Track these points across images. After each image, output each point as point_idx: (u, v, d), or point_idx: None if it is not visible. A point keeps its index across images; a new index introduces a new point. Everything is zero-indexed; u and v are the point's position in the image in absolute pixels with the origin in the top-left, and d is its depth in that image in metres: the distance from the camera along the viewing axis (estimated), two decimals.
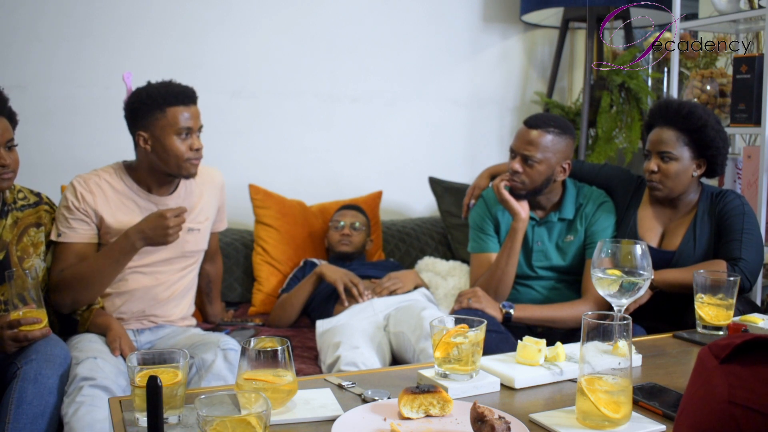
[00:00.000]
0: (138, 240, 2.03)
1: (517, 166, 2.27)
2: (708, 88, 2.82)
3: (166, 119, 2.09)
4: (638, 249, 1.59)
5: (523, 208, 2.30)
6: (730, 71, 2.81)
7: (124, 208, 2.16)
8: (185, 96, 2.12)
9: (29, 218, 2.08)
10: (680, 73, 2.98)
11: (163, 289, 2.21)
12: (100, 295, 2.13)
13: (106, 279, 2.08)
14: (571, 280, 2.39)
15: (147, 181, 2.19)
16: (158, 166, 2.14)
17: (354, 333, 2.24)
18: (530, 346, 1.52)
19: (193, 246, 2.26)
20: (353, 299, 2.51)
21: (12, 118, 1.97)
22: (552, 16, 3.47)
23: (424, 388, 1.28)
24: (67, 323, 2.13)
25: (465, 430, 1.20)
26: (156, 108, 2.10)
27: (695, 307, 1.81)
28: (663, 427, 1.25)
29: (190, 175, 2.16)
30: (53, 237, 2.10)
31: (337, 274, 2.54)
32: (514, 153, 2.31)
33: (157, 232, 2.01)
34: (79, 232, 2.11)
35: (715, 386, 0.71)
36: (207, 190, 2.32)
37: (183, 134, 2.10)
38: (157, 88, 2.13)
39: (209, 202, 2.32)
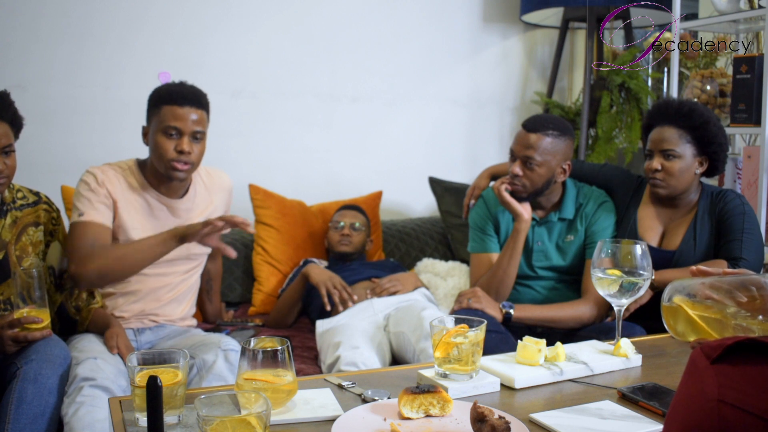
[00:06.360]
0: (180, 233, 2.03)
1: (518, 169, 2.27)
2: (708, 88, 2.82)
3: (158, 116, 2.10)
4: (638, 249, 1.60)
5: (524, 210, 2.30)
6: (730, 71, 2.81)
7: (137, 204, 2.16)
8: (180, 96, 2.10)
9: (28, 217, 2.08)
10: (680, 73, 2.98)
11: (166, 290, 2.22)
12: (125, 278, 2.11)
13: (138, 258, 2.04)
14: (571, 280, 2.38)
15: (155, 180, 2.19)
16: (154, 165, 2.15)
17: (354, 333, 2.23)
18: (530, 346, 1.52)
19: (199, 249, 2.26)
20: (336, 306, 2.45)
21: (15, 123, 1.95)
22: (552, 16, 3.47)
23: (424, 388, 1.28)
24: (67, 323, 2.13)
25: (465, 430, 1.20)
26: (154, 105, 2.13)
27: None
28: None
29: (176, 179, 2.14)
30: (73, 218, 2.08)
31: (320, 277, 2.50)
32: (513, 156, 2.30)
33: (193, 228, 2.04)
34: (102, 213, 2.09)
35: (706, 385, 0.73)
36: (216, 194, 2.33)
37: (171, 133, 2.08)
38: (168, 86, 2.15)
39: (218, 207, 2.33)
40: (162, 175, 2.15)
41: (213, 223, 1.99)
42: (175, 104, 2.09)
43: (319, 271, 2.54)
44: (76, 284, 2.07)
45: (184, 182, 2.22)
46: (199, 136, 2.13)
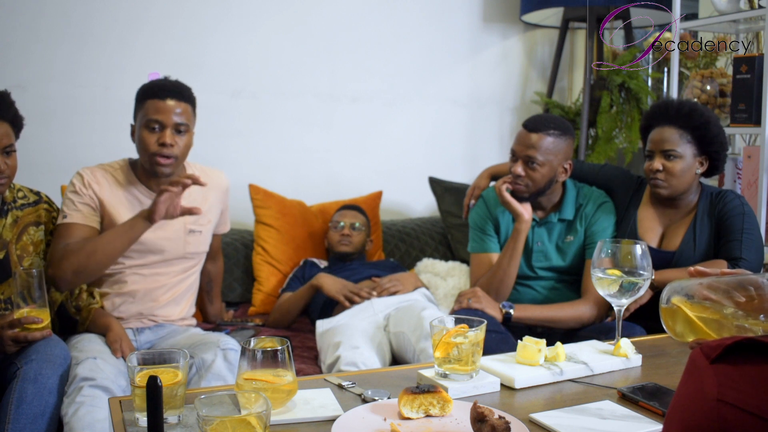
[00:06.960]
0: (145, 212, 2.01)
1: (519, 169, 2.27)
2: (708, 88, 2.82)
3: (142, 111, 2.12)
4: (638, 249, 1.60)
5: (525, 210, 2.30)
6: (730, 71, 2.81)
7: (128, 204, 2.16)
8: (162, 89, 2.10)
9: (29, 217, 2.08)
10: (680, 73, 2.98)
11: (163, 291, 2.21)
12: (101, 272, 2.10)
13: (109, 249, 2.02)
14: (571, 281, 2.38)
15: (146, 178, 2.19)
16: (141, 161, 2.16)
17: (354, 333, 2.24)
18: (530, 346, 1.52)
19: (195, 248, 2.26)
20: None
21: (15, 123, 1.95)
22: (552, 16, 3.47)
23: (424, 388, 1.28)
24: (67, 323, 2.13)
25: (465, 430, 1.20)
26: (138, 101, 2.14)
27: None
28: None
29: (161, 174, 2.12)
30: (59, 221, 2.10)
31: (335, 288, 2.51)
32: (515, 156, 2.30)
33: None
34: (85, 215, 2.10)
35: (705, 385, 0.73)
36: (212, 193, 2.32)
37: (153, 127, 2.08)
38: (152, 82, 2.15)
39: (213, 205, 2.32)
40: (150, 171, 2.15)
41: (167, 189, 1.97)
42: (156, 98, 2.09)
43: (331, 281, 2.54)
44: (55, 287, 2.06)
45: (171, 178, 2.20)
46: (182, 129, 2.12)
